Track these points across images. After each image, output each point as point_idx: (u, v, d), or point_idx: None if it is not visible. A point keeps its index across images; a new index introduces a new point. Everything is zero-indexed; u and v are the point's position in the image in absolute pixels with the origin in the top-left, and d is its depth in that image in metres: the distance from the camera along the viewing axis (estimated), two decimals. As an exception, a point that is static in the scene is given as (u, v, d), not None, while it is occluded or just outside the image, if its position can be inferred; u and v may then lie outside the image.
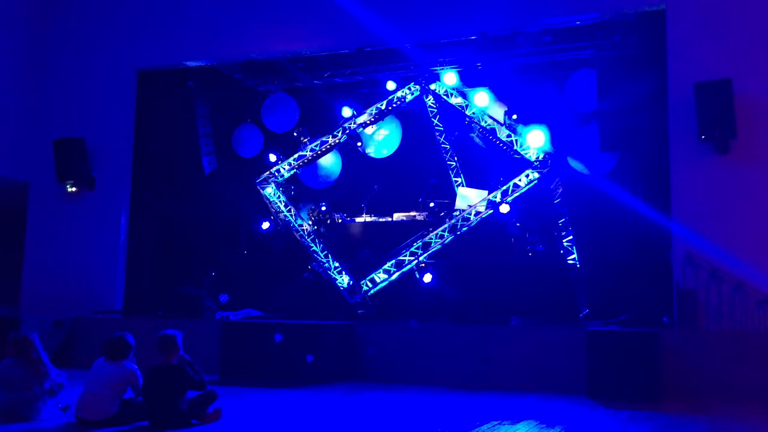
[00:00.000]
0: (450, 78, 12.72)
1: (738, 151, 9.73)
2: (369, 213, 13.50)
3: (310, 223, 13.21)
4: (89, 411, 6.49)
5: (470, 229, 11.79)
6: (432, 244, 11.71)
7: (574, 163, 12.34)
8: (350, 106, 13.80)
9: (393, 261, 11.81)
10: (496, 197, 11.70)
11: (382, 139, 14.35)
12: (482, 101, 12.37)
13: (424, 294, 11.68)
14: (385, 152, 14.45)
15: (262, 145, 14.55)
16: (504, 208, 11.61)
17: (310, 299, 12.43)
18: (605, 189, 12.09)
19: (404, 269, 11.76)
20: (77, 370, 10.57)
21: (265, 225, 13.89)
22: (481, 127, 12.34)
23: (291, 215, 13.17)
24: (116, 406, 6.53)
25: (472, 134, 12.74)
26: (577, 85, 12.12)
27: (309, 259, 12.71)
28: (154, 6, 13.57)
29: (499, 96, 12.56)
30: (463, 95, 12.68)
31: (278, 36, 12.66)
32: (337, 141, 13.47)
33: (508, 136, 12.05)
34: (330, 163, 14.64)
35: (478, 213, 11.75)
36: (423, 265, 11.67)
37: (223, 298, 12.33)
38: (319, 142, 13.53)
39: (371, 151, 14.34)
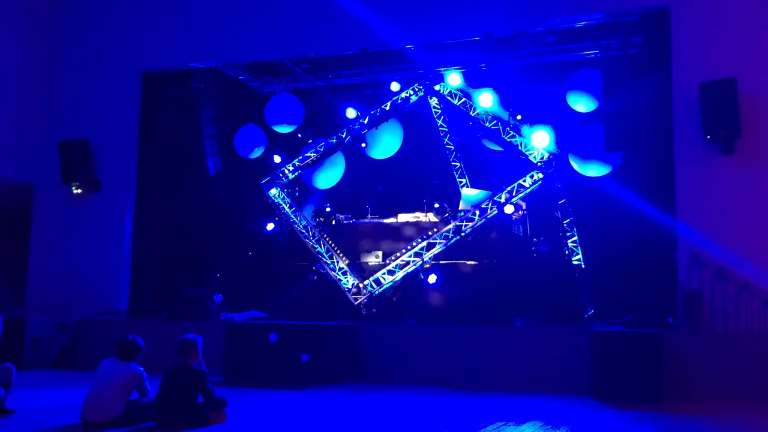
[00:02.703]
0: (454, 79, 12.72)
1: (743, 150, 9.71)
2: (373, 214, 13.50)
3: (315, 224, 13.21)
4: (94, 412, 6.50)
5: (474, 230, 11.78)
6: (436, 245, 11.71)
7: (577, 165, 12.30)
8: (354, 107, 13.80)
9: (397, 262, 11.81)
10: (500, 198, 11.69)
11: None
12: (486, 102, 12.36)
13: (428, 295, 11.67)
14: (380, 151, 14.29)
15: (266, 146, 14.55)
16: (508, 209, 11.59)
17: (314, 300, 12.42)
18: (610, 189, 12.06)
19: (409, 270, 11.77)
20: (82, 371, 10.65)
21: (270, 226, 13.90)
22: (485, 128, 12.32)
23: (295, 216, 13.17)
24: (121, 407, 6.53)
25: (479, 135, 12.70)
26: (577, 84, 12.11)
27: (313, 260, 12.71)
28: (158, 8, 13.61)
29: (504, 97, 12.54)
30: (468, 96, 12.67)
31: (282, 37, 12.69)
32: (341, 142, 13.48)
33: (513, 137, 12.03)
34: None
35: (482, 214, 11.74)
36: (427, 266, 11.66)
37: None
38: (323, 143, 13.53)
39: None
